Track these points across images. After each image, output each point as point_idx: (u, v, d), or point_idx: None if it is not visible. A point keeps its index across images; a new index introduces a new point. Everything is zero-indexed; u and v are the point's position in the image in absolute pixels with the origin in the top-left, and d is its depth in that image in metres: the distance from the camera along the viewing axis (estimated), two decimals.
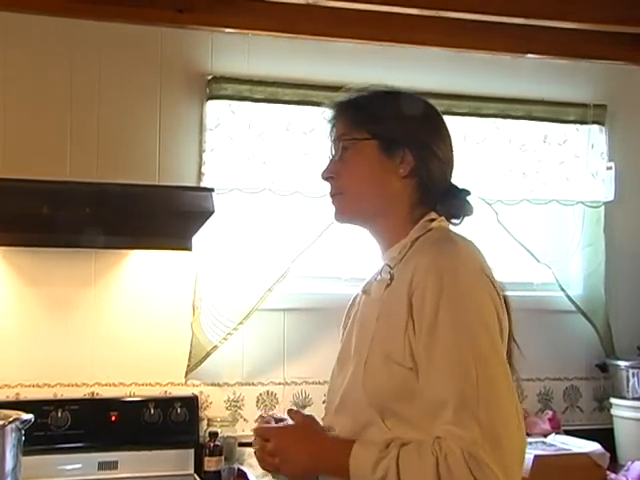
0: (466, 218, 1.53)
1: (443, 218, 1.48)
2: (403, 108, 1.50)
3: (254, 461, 2.78)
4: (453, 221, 1.51)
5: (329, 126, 1.55)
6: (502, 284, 1.43)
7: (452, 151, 1.53)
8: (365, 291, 1.56)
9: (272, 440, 1.44)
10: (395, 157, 1.47)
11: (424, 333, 1.32)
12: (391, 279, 1.44)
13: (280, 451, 1.43)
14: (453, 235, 1.45)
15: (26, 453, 2.29)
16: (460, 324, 1.30)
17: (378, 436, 1.35)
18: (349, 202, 1.50)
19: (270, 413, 1.42)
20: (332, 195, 1.53)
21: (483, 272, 1.36)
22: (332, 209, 1.53)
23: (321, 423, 1.52)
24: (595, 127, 3.30)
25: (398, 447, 1.29)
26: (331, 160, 1.54)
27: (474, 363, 1.27)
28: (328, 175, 1.53)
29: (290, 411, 1.52)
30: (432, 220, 1.47)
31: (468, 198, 1.52)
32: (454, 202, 1.51)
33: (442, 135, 1.52)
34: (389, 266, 1.47)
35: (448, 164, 1.52)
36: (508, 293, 1.46)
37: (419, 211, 1.48)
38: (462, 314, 1.31)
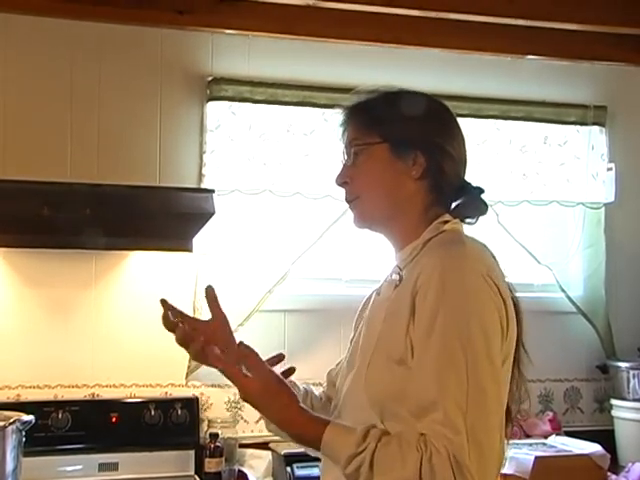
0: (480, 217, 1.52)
1: (457, 220, 1.47)
2: (413, 109, 1.48)
3: (255, 462, 2.82)
4: (468, 221, 1.50)
5: (340, 130, 1.54)
6: (513, 286, 1.42)
7: (465, 149, 1.52)
8: (377, 292, 1.56)
9: (252, 370, 1.39)
10: (407, 159, 1.46)
11: (421, 332, 1.31)
12: (400, 280, 1.44)
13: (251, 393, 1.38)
14: (464, 237, 1.44)
15: (27, 454, 2.29)
16: (458, 328, 1.29)
17: None
18: (366, 207, 1.50)
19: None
20: (348, 201, 1.52)
21: (490, 276, 1.35)
22: (351, 215, 1.53)
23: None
24: (595, 128, 3.30)
25: (376, 439, 1.29)
26: (344, 165, 1.53)
27: (466, 368, 1.27)
28: (342, 181, 1.52)
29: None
30: (445, 222, 1.46)
31: (482, 196, 1.51)
32: (468, 201, 1.49)
33: (454, 133, 1.51)
34: (399, 267, 1.47)
35: (461, 163, 1.52)
36: None
37: (433, 212, 1.47)
38: (461, 318, 1.30)
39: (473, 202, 1.50)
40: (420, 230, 1.46)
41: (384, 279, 1.54)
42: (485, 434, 1.26)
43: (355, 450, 1.28)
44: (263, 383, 1.38)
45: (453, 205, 1.50)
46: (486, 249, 1.41)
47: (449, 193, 1.49)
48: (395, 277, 1.46)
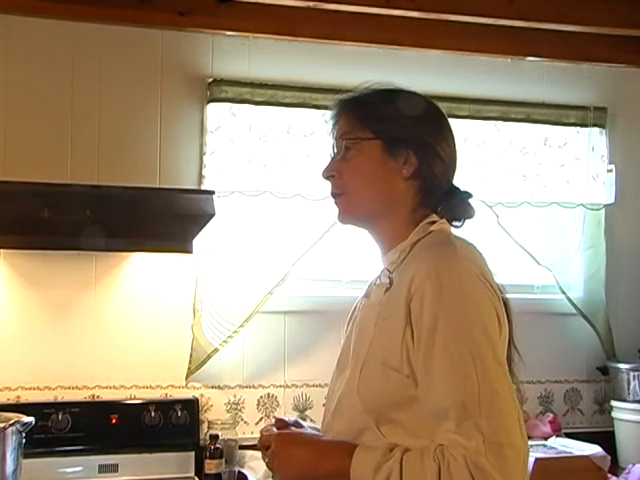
0: (467, 221, 1.51)
1: (444, 220, 1.46)
2: (407, 107, 1.47)
3: (254, 464, 2.82)
4: (454, 223, 1.49)
5: (331, 123, 1.52)
6: (503, 287, 1.41)
7: (455, 152, 1.51)
8: (366, 295, 1.54)
9: (273, 443, 1.43)
10: (399, 158, 1.45)
11: (423, 340, 1.30)
12: (390, 283, 1.42)
13: (279, 452, 1.41)
14: (453, 238, 1.42)
15: (27, 456, 2.29)
16: (461, 331, 1.28)
17: (373, 442, 1.34)
18: (352, 203, 1.48)
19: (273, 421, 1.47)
20: (334, 195, 1.50)
21: (483, 277, 1.34)
22: (335, 210, 1.51)
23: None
24: (595, 130, 3.30)
25: (402, 451, 1.28)
26: (333, 159, 1.51)
27: (475, 371, 1.26)
28: (329, 174, 1.50)
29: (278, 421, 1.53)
30: (433, 222, 1.45)
31: (470, 200, 1.50)
32: (455, 204, 1.48)
33: (446, 135, 1.50)
34: (388, 270, 1.45)
35: (451, 165, 1.50)
36: (509, 296, 1.44)
37: (420, 213, 1.46)
38: (463, 321, 1.29)
39: (460, 205, 1.49)
40: (407, 231, 1.45)
41: (372, 282, 1.53)
42: (504, 434, 1.24)
43: (382, 458, 1.28)
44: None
45: (440, 207, 1.48)
46: (475, 249, 1.40)
47: (437, 194, 1.47)
48: (385, 280, 1.44)
